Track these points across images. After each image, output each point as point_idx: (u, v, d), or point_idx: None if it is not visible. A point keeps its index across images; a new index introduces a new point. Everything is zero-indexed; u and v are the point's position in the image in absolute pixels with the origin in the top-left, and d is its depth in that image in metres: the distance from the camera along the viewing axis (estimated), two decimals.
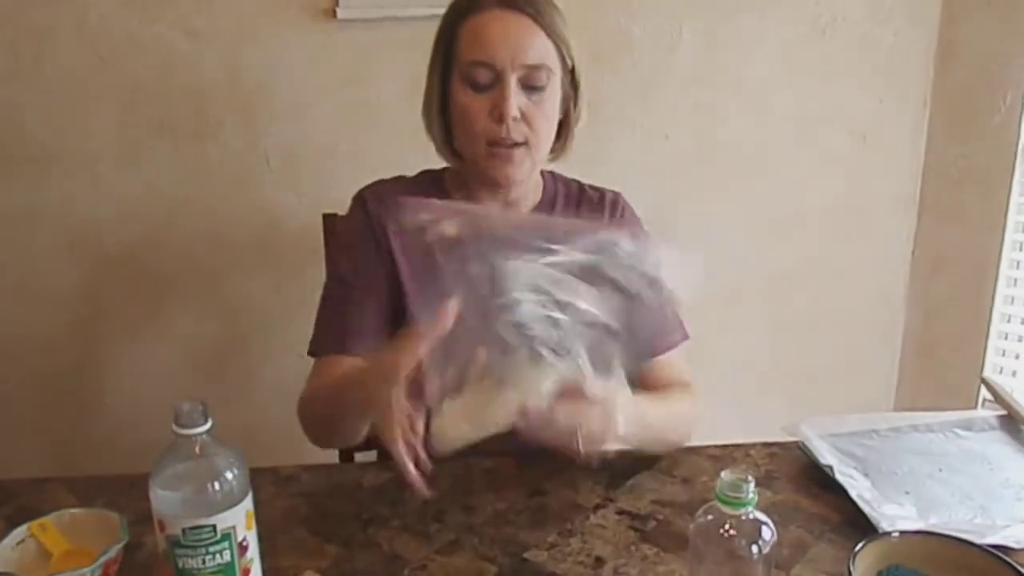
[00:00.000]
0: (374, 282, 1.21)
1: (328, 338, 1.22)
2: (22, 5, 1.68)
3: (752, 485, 0.76)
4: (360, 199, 1.26)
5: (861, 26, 1.88)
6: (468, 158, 1.20)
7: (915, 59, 1.94)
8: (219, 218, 1.84)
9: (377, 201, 1.25)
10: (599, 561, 0.98)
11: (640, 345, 1.20)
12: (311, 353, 1.23)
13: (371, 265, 1.22)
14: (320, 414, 1.17)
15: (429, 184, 1.29)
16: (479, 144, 1.15)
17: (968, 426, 1.22)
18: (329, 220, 1.54)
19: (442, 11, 1.19)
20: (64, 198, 1.80)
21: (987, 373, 1.97)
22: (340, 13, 1.73)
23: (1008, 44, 1.84)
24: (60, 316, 1.87)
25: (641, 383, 1.21)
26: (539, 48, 1.12)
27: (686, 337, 1.30)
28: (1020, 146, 1.84)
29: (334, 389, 1.12)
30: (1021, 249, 1.92)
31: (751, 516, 0.77)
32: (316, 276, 1.30)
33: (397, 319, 1.21)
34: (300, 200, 1.83)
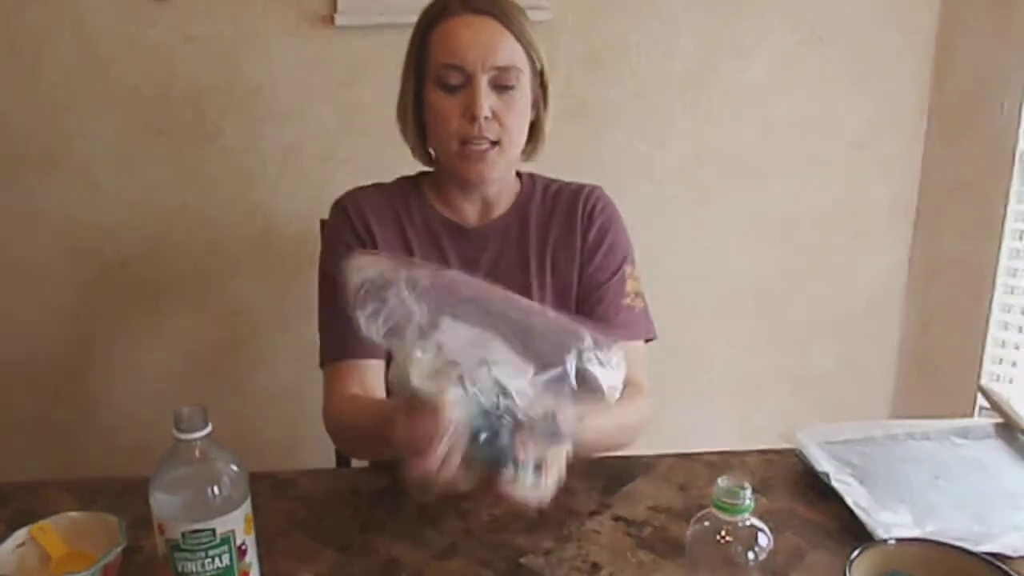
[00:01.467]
0: None
1: (334, 346, 1.22)
2: (20, 8, 1.69)
3: (749, 492, 0.77)
4: (340, 207, 1.28)
5: (859, 33, 1.89)
6: (442, 159, 1.23)
7: (913, 66, 1.94)
8: (217, 223, 1.85)
9: (357, 206, 1.27)
10: (595, 567, 0.98)
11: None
12: (321, 364, 1.24)
13: None
14: (355, 440, 1.18)
15: (407, 189, 1.31)
16: (452, 143, 1.17)
17: (965, 434, 1.22)
18: (326, 225, 1.54)
19: None
20: (62, 203, 1.81)
21: (984, 381, 1.97)
22: (338, 20, 1.74)
23: (1006, 53, 1.84)
24: (58, 319, 1.88)
25: None
26: (507, 50, 1.15)
27: (650, 337, 1.30)
28: (1017, 154, 1.85)
29: (366, 426, 1.09)
30: (1018, 257, 1.92)
31: (747, 523, 0.78)
32: (313, 280, 1.31)
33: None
34: (297, 205, 1.84)
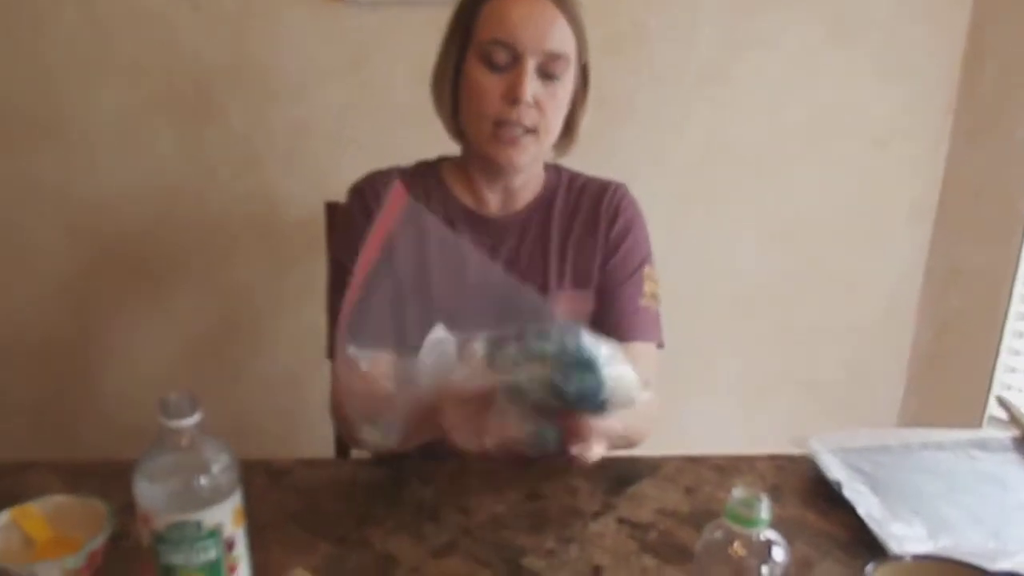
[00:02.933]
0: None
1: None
2: None
3: (765, 504, 0.73)
4: (358, 191, 1.24)
5: (886, 28, 1.84)
6: (472, 138, 1.18)
7: (941, 64, 1.89)
8: (219, 203, 1.81)
9: (374, 191, 1.22)
10: (597, 570, 0.95)
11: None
12: (330, 355, 1.19)
13: None
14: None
15: (427, 175, 1.27)
16: (486, 124, 1.13)
17: (982, 446, 1.18)
18: (331, 208, 1.51)
19: None
20: (62, 179, 1.78)
21: (996, 390, 1.93)
22: None
23: None
24: (56, 297, 1.85)
25: None
26: (561, 36, 1.12)
27: (659, 344, 1.27)
28: None
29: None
30: None
31: (762, 536, 0.74)
32: (317, 265, 1.28)
33: (403, 307, 1.17)
34: (302, 187, 1.80)
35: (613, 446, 1.13)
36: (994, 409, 1.95)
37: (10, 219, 1.79)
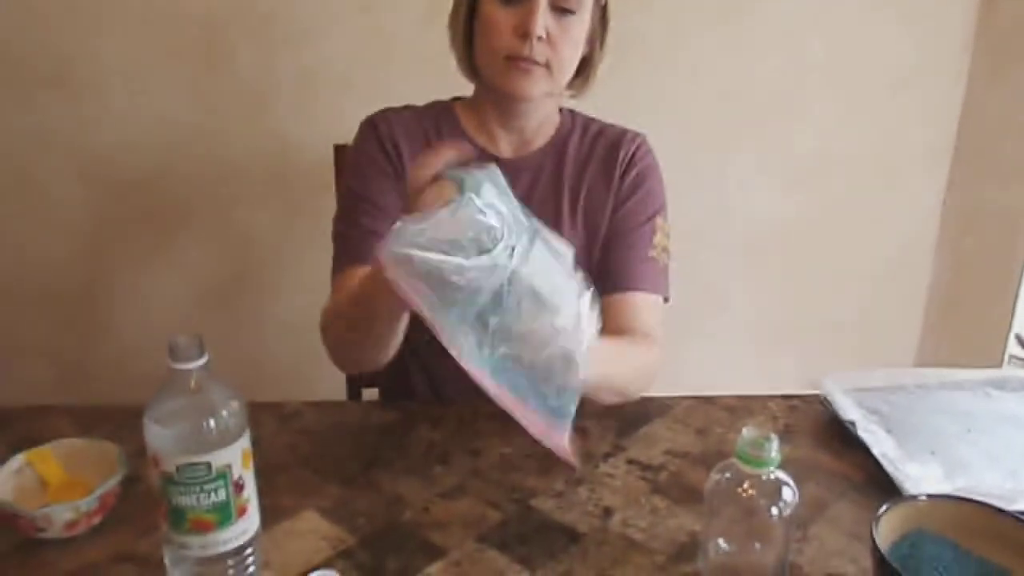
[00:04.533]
0: (389, 199, 1.17)
1: (345, 254, 1.17)
2: None
3: (775, 444, 0.72)
4: (371, 123, 1.22)
5: None
6: (485, 73, 1.16)
7: (957, 2, 1.84)
8: (229, 147, 1.79)
9: (388, 126, 1.21)
10: (607, 512, 0.95)
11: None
12: (332, 273, 1.17)
13: (385, 184, 1.18)
14: (342, 324, 1.07)
15: (439, 114, 1.25)
16: (498, 59, 1.11)
17: (1000, 385, 1.17)
18: (340, 151, 1.49)
19: None
20: (74, 124, 1.76)
21: (1016, 330, 1.91)
22: None
23: None
24: (69, 242, 1.85)
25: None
26: None
27: (664, 298, 1.23)
28: None
29: (353, 292, 1.03)
30: None
31: (772, 476, 0.73)
32: (327, 209, 1.26)
33: None
34: (312, 130, 1.78)
35: (605, 389, 1.08)
36: (1015, 348, 1.94)
37: (22, 169, 1.79)
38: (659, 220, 1.24)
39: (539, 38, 1.07)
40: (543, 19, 1.07)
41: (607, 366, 1.00)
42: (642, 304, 1.18)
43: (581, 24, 1.12)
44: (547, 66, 1.10)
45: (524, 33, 1.07)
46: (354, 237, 1.16)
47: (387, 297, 0.84)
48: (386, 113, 1.23)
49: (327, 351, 1.10)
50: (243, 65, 1.74)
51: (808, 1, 1.81)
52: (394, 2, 1.70)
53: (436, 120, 1.24)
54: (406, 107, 1.25)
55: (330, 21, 1.73)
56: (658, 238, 1.22)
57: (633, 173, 1.23)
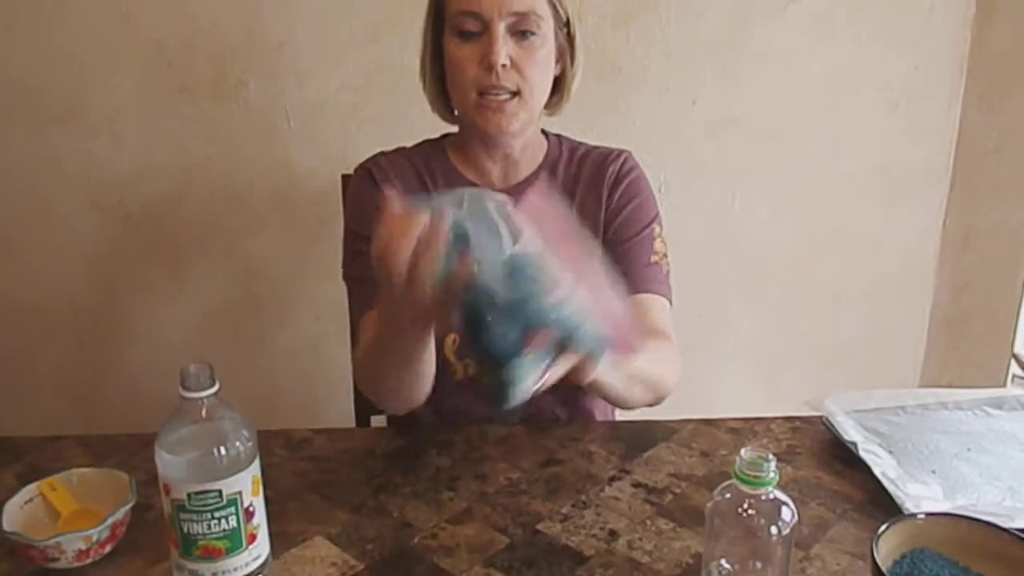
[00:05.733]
0: None
1: (362, 299, 1.19)
2: None
3: (773, 464, 0.73)
4: (365, 169, 1.26)
5: None
6: (462, 112, 1.19)
7: (953, 23, 1.86)
8: (238, 178, 1.82)
9: (380, 169, 1.24)
10: (613, 534, 0.96)
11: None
12: (356, 317, 1.20)
13: None
14: (377, 363, 1.06)
15: (429, 152, 1.28)
16: (470, 94, 1.13)
17: (999, 405, 1.18)
18: (348, 181, 1.52)
19: None
20: (86, 157, 1.79)
21: (1018, 350, 1.92)
22: None
23: None
24: (80, 273, 1.87)
25: None
26: None
27: (667, 300, 1.24)
28: None
29: (377, 328, 1.03)
30: None
31: (771, 496, 0.75)
32: (334, 238, 1.28)
33: None
34: (320, 161, 1.80)
35: (636, 390, 1.09)
36: (1017, 368, 1.94)
37: (37, 199, 1.81)
38: (656, 228, 1.26)
39: (503, 66, 1.10)
40: (504, 47, 1.10)
41: (637, 360, 1.00)
42: (651, 304, 1.20)
43: (545, 44, 1.14)
44: (518, 93, 1.13)
45: (488, 64, 1.10)
46: (367, 280, 1.18)
47: (410, 318, 0.86)
48: (377, 158, 1.27)
49: (373, 398, 1.11)
50: (252, 97, 1.77)
51: (806, 26, 1.83)
52: (403, 33, 1.72)
53: (427, 158, 1.27)
54: (397, 150, 1.29)
55: (339, 52, 1.75)
56: (657, 244, 1.24)
57: (622, 187, 1.25)
